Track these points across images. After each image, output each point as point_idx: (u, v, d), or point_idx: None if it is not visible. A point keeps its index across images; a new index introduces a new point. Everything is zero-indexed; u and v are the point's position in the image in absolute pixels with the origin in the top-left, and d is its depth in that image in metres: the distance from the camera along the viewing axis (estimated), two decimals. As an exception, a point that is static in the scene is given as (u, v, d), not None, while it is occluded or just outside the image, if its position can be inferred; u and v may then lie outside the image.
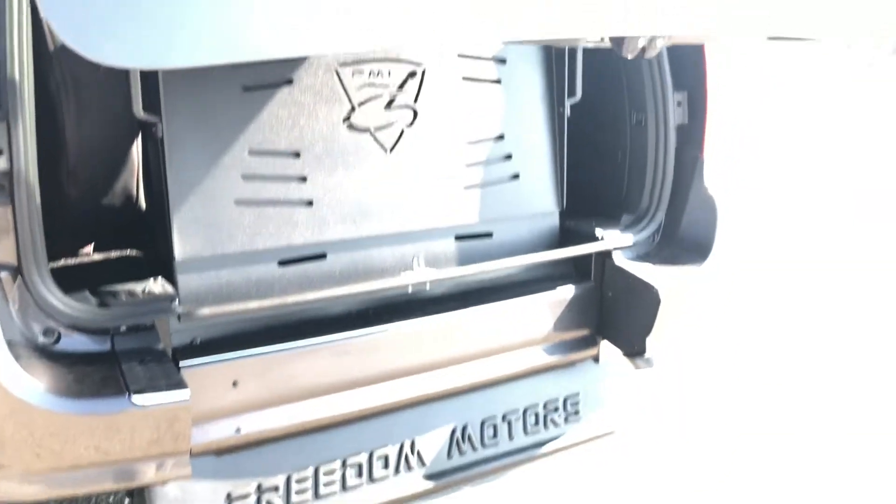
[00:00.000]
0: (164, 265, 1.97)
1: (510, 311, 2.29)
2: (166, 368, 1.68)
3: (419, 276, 2.14)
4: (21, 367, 1.56)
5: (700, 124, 2.49)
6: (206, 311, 1.82)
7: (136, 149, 2.07)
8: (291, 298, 1.93)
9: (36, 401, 1.55)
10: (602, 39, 2.12)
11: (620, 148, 2.62)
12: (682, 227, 2.54)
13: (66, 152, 1.93)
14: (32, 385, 1.56)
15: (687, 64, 2.48)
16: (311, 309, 2.08)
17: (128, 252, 2.23)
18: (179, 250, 1.90)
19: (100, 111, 1.95)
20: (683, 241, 2.53)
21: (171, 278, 1.92)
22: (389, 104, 2.16)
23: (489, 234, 2.37)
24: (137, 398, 1.59)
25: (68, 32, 1.18)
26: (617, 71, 2.58)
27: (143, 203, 2.16)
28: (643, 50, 1.78)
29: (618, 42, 1.77)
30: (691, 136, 2.50)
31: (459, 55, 2.26)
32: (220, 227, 1.94)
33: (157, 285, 1.87)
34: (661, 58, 2.46)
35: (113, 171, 2.05)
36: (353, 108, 2.10)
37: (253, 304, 1.88)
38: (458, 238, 2.31)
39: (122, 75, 1.91)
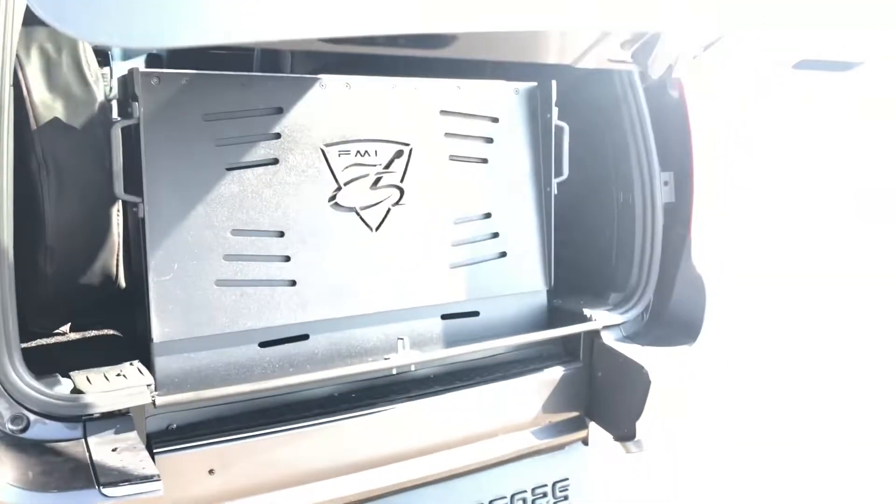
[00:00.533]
0: (141, 346, 1.92)
1: (497, 394, 2.24)
2: (140, 458, 1.61)
3: (403, 359, 2.10)
4: (-14, 459, 1.50)
5: (687, 203, 2.49)
6: (182, 397, 1.77)
7: (116, 227, 2.04)
8: (270, 383, 1.88)
9: (0, 495, 1.48)
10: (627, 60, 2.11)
11: (608, 226, 2.61)
12: (671, 307, 2.52)
13: (44, 230, 1.89)
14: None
15: (673, 144, 2.49)
16: (291, 392, 2.02)
17: (105, 332, 2.18)
18: (158, 332, 1.85)
19: (80, 190, 1.93)
20: (673, 321, 2.50)
21: (148, 361, 1.86)
22: (376, 183, 2.14)
23: (476, 313, 2.33)
24: (108, 491, 1.52)
25: (52, 11, 1.14)
26: (604, 150, 2.58)
27: (122, 282, 2.12)
28: (669, 68, 1.75)
29: (642, 58, 1.76)
30: (679, 214, 2.50)
31: (446, 134, 2.25)
32: (200, 308, 1.90)
33: (132, 369, 1.81)
34: (647, 137, 2.48)
35: (92, 250, 2.01)
36: (338, 188, 2.08)
37: (231, 390, 1.83)
38: (444, 317, 2.27)
39: (103, 155, 1.90)
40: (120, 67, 5.18)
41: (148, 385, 1.74)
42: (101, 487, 1.52)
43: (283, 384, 1.90)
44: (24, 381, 1.63)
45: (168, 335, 1.86)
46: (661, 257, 2.50)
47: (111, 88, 4.80)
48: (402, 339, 2.14)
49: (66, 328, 2.16)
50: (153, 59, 4.66)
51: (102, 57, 5.17)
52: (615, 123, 2.54)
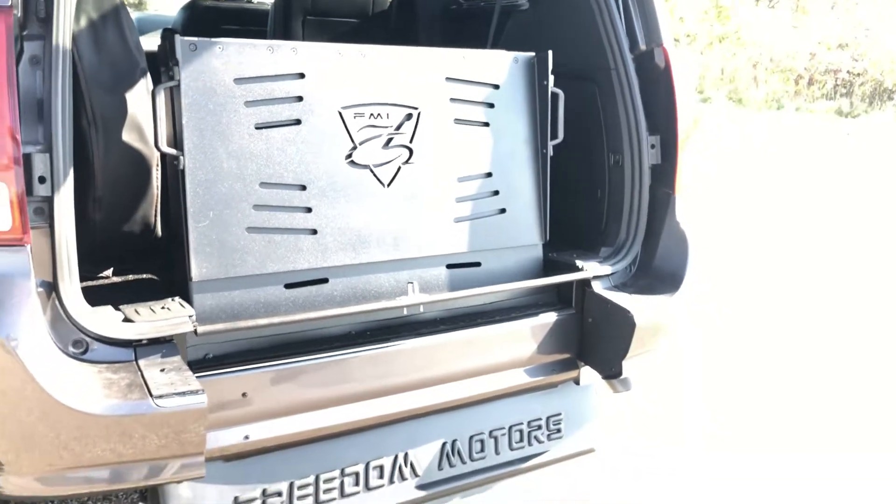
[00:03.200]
0: (179, 286, 2.15)
1: (497, 335, 2.48)
2: (185, 376, 1.85)
3: (413, 300, 2.33)
4: (56, 373, 1.74)
5: (672, 164, 2.71)
6: (220, 326, 2.00)
7: (155, 181, 2.26)
8: (298, 316, 2.11)
9: (70, 402, 1.72)
10: None
11: (600, 186, 2.83)
12: (656, 260, 2.75)
13: (94, 181, 2.12)
14: (67, 386, 1.73)
15: (659, 110, 2.72)
16: (313, 329, 2.26)
17: (144, 276, 2.41)
18: (196, 272, 2.08)
19: (124, 146, 2.15)
20: (658, 273, 2.73)
21: (187, 297, 2.10)
22: (387, 143, 2.37)
23: (478, 264, 2.56)
24: (160, 401, 1.76)
25: None
26: (596, 116, 2.81)
27: (159, 231, 2.35)
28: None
29: None
30: (664, 175, 2.72)
31: (451, 99, 2.47)
32: (233, 252, 2.13)
33: (174, 303, 2.05)
34: (635, 104, 2.70)
35: (134, 201, 2.24)
36: (354, 147, 2.30)
37: (263, 321, 2.06)
38: (449, 266, 2.50)
39: (146, 113, 2.13)
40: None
41: (189, 316, 1.97)
42: (154, 399, 1.77)
43: (309, 317, 2.13)
44: (84, 311, 1.86)
45: (205, 275, 2.10)
46: (648, 215, 2.72)
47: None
48: (411, 283, 2.37)
49: (109, 272, 2.39)
50: (168, 33, 4.87)
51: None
52: (607, 91, 2.76)
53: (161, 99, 2.02)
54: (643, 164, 2.71)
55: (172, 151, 2.05)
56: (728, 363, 4.51)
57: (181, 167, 2.05)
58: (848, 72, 20.35)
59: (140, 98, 2.18)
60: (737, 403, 4.05)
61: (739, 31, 20.58)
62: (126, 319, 1.94)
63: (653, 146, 2.73)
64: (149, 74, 2.23)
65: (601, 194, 2.84)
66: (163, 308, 2.01)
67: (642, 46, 2.73)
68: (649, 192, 2.73)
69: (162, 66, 2.14)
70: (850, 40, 20.37)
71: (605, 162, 2.81)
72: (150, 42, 5.46)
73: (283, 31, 4.18)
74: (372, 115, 2.34)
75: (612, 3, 2.72)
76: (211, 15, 4.84)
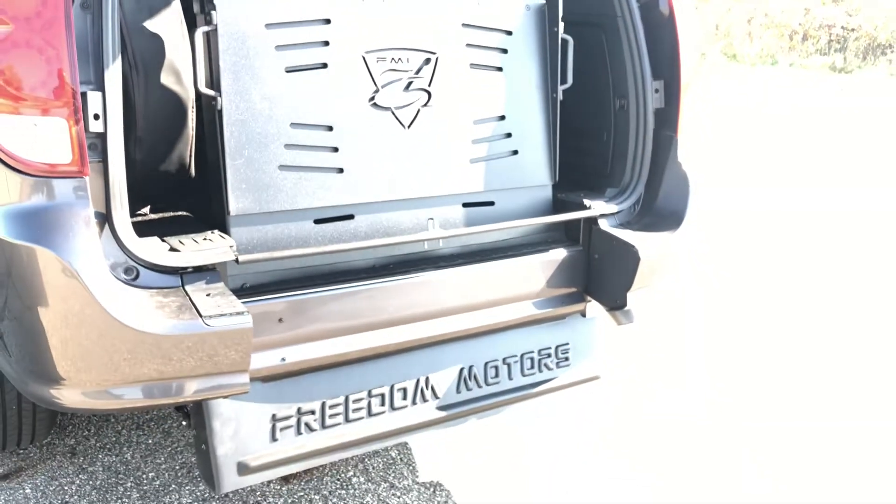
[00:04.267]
0: (217, 221, 2.30)
1: (509, 269, 2.64)
2: (230, 300, 2.01)
3: (433, 235, 2.49)
4: (115, 295, 1.89)
5: (675, 109, 2.85)
6: (259, 255, 2.16)
7: (191, 122, 2.40)
8: (328, 248, 2.27)
9: (129, 321, 1.88)
10: None
11: (606, 129, 2.98)
12: (658, 199, 2.90)
13: (135, 122, 2.25)
14: (125, 307, 1.89)
15: (663, 55, 2.85)
16: (341, 261, 2.42)
17: (180, 213, 2.56)
18: (234, 206, 2.23)
19: (163, 88, 2.28)
20: (660, 211, 2.89)
21: (225, 231, 2.25)
22: (408, 86, 2.50)
23: (491, 203, 2.71)
24: (210, 321, 1.92)
25: None
26: (603, 61, 2.94)
27: (193, 171, 2.49)
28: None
29: None
30: (667, 119, 2.86)
31: (467, 44, 2.60)
32: (266, 188, 2.28)
33: (215, 235, 2.20)
34: (640, 50, 2.83)
35: (172, 141, 2.37)
36: (377, 90, 2.44)
37: (297, 251, 2.22)
38: (465, 205, 2.65)
39: (183, 57, 2.26)
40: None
41: (231, 246, 2.13)
42: (203, 319, 1.93)
43: (338, 248, 2.29)
44: (134, 240, 2.01)
45: (241, 209, 2.24)
46: (652, 156, 2.87)
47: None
48: (431, 219, 2.52)
49: (146, 210, 2.54)
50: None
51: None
52: (613, 38, 2.89)
53: (201, 41, 2.14)
54: (647, 107, 2.85)
55: (211, 92, 2.18)
56: (726, 321, 4.69)
57: (219, 108, 2.19)
58: (842, 27, 20.36)
59: (177, 42, 2.30)
60: (732, 355, 4.25)
61: (734, -15, 20.50)
62: (172, 249, 2.09)
63: (657, 91, 2.86)
64: (184, 19, 2.34)
65: (607, 137, 2.98)
66: (205, 240, 2.16)
67: (647, -6, 2.85)
68: (653, 134, 2.87)
69: (199, 10, 2.26)
70: (846, -7, 20.33)
71: (611, 106, 2.95)
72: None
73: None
74: (393, 59, 2.47)
75: (617, -48, 2.83)
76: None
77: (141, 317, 1.91)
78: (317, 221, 2.39)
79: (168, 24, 2.29)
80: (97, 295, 1.86)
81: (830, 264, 5.60)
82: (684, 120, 2.87)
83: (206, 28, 2.17)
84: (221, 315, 1.94)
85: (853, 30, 20.10)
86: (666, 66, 2.85)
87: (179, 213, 2.59)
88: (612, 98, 2.95)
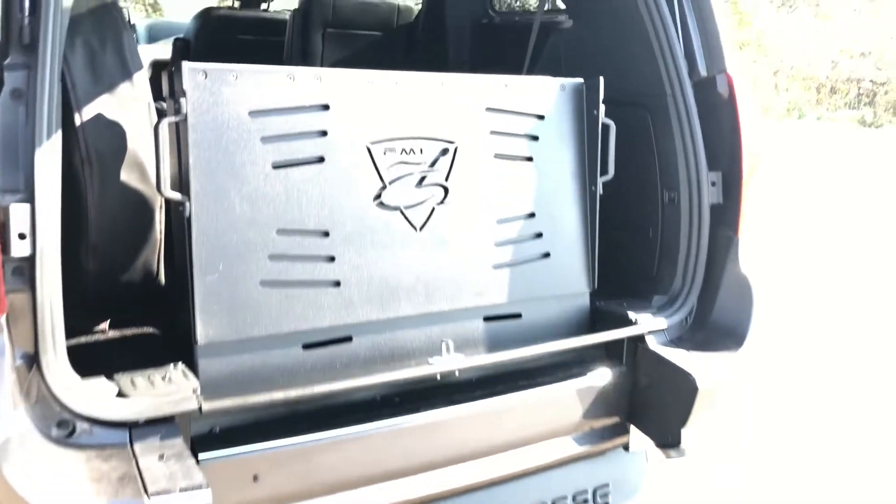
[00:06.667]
0: (184, 347, 1.88)
1: (539, 399, 2.20)
2: (187, 466, 1.58)
3: (448, 364, 2.05)
4: (33, 466, 1.47)
5: (735, 205, 2.42)
6: (228, 402, 1.73)
7: (159, 224, 2.00)
8: (316, 389, 1.84)
9: (49, 504, 1.45)
10: None
11: (651, 225, 2.55)
12: (715, 311, 2.46)
13: (87, 227, 1.86)
14: (45, 486, 1.46)
15: (721, 143, 2.43)
16: (335, 396, 1.99)
17: (145, 330, 2.15)
18: (202, 334, 1.81)
19: (123, 186, 1.89)
20: (717, 326, 2.45)
21: (191, 363, 1.83)
22: (420, 182, 2.10)
23: (518, 315, 2.28)
24: (156, 500, 1.49)
25: None
26: (649, 147, 2.52)
27: (162, 278, 2.08)
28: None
29: None
30: (726, 216, 2.44)
31: (492, 132, 2.20)
32: (244, 309, 1.86)
33: (177, 372, 1.78)
34: (694, 135, 2.42)
35: (134, 246, 1.97)
36: (383, 186, 2.04)
37: (276, 396, 1.78)
38: (487, 319, 2.23)
39: (149, 149, 1.86)
40: (144, 51, 5.14)
41: (194, 390, 1.70)
42: (149, 497, 1.49)
43: (328, 390, 1.86)
44: (71, 385, 1.60)
45: (212, 337, 1.83)
46: (707, 260, 2.44)
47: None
48: (445, 341, 2.09)
49: (105, 325, 2.13)
50: (180, 43, 4.61)
51: (128, 40, 5.15)
52: (661, 120, 2.48)
53: (164, 135, 1.75)
54: (702, 202, 2.43)
55: (177, 196, 1.78)
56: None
57: (187, 214, 1.78)
58: (871, 81, 19.97)
59: (142, 132, 1.92)
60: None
61: (761, 37, 20.21)
62: (121, 394, 1.67)
63: (713, 183, 2.44)
64: (153, 105, 1.96)
65: (653, 234, 2.55)
66: (164, 379, 1.74)
67: (703, 72, 2.45)
68: (709, 234, 2.44)
69: (168, 96, 1.87)
70: (872, 48, 19.98)
71: (659, 199, 2.52)
72: (163, 50, 5.20)
73: (302, 43, 3.91)
74: (404, 150, 2.07)
75: (669, 22, 2.43)
76: (225, 24, 4.57)
77: (66, 497, 1.47)
78: (306, 346, 1.97)
79: (131, 110, 1.90)
80: (6, 473, 1.43)
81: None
82: (746, 218, 2.44)
83: (172, 118, 1.77)
84: (172, 491, 1.51)
85: (882, 84, 19.71)
86: (724, 155, 2.44)
87: (145, 329, 2.17)
88: (660, 190, 2.52)
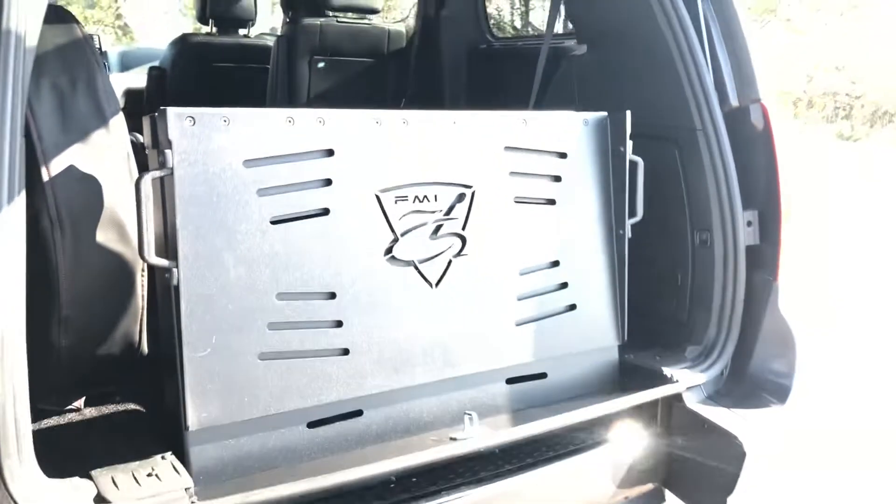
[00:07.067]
0: (172, 427, 1.64)
1: (570, 471, 1.97)
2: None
3: (473, 441, 1.82)
4: None
5: (773, 246, 2.22)
6: (225, 501, 1.48)
7: (141, 289, 1.75)
8: (323, 481, 1.59)
9: None
10: None
11: (681, 269, 2.34)
12: (753, 361, 2.26)
13: (58, 298, 1.61)
14: None
15: (757, 179, 2.23)
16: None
17: (127, 406, 1.89)
18: (194, 419, 1.57)
19: (99, 249, 1.64)
20: (757, 378, 2.24)
21: (181, 451, 1.58)
22: (436, 232, 1.87)
23: (543, 375, 2.06)
24: None
25: None
26: (677, 185, 2.32)
27: (145, 348, 1.83)
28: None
29: None
30: (763, 258, 2.23)
31: (511, 173, 1.98)
32: (241, 387, 1.62)
33: (165, 465, 1.53)
34: (728, 172, 2.21)
35: (112, 317, 1.73)
36: (395, 239, 1.81)
37: (279, 491, 1.53)
38: (510, 381, 2.01)
39: (129, 206, 1.62)
40: (117, 80, 4.89)
41: (186, 489, 1.46)
42: None
43: (335, 482, 1.61)
44: (37, 487, 1.35)
45: (205, 421, 1.58)
46: (744, 306, 2.23)
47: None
48: (469, 414, 1.86)
49: (80, 403, 1.87)
50: (156, 72, 4.36)
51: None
52: (690, 155, 2.27)
53: (147, 191, 1.51)
54: (738, 244, 2.22)
55: (162, 263, 1.53)
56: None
57: (174, 282, 1.54)
58: (847, 94, 20.09)
59: (120, 185, 1.67)
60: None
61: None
62: (100, 498, 1.42)
63: (749, 223, 2.23)
64: (132, 155, 1.72)
65: (682, 279, 2.34)
66: (150, 474, 1.49)
67: (734, 102, 2.25)
68: (745, 278, 2.23)
69: (150, 145, 1.63)
70: (846, 62, 20.10)
71: (689, 240, 2.31)
72: (136, 79, 4.93)
73: (288, 71, 3.68)
74: (417, 198, 1.84)
75: (696, 47, 2.23)
76: (203, 51, 4.32)
77: None
78: (311, 425, 1.73)
79: (108, 160, 1.66)
80: None
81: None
82: (784, 260, 2.23)
83: (157, 173, 1.53)
84: None
85: (858, 97, 19.82)
86: (760, 192, 2.24)
87: (128, 406, 1.92)
88: (690, 231, 2.31)
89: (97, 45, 5.96)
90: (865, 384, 4.48)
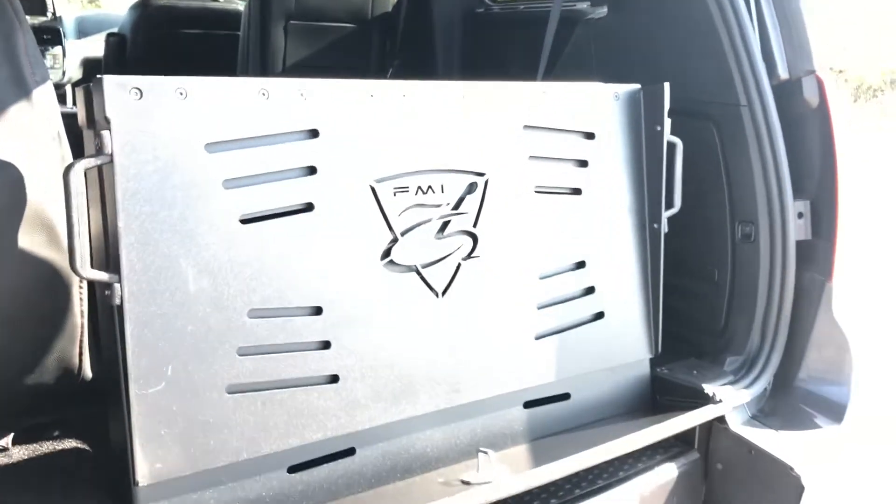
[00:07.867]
0: (120, 477, 1.31)
1: (601, 507, 1.67)
2: None
3: (490, 489, 1.50)
4: None
5: (828, 242, 1.92)
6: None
7: (79, 304, 1.41)
8: None
9: None
10: None
11: (719, 267, 2.03)
12: (801, 374, 1.97)
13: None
14: None
15: (810, 163, 1.93)
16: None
17: (64, 444, 1.56)
18: (143, 471, 1.24)
19: (23, 257, 1.30)
20: (806, 393, 1.95)
21: None
22: (442, 230, 1.54)
23: (566, 396, 1.76)
24: None
25: None
26: (716, 169, 2.00)
27: (87, 372, 1.50)
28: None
29: None
30: (816, 256, 1.94)
31: (531, 157, 1.65)
32: (205, 429, 1.29)
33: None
34: (777, 156, 1.90)
35: (42, 339, 1.38)
36: (394, 239, 1.48)
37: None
38: (528, 405, 1.70)
39: (59, 204, 1.28)
40: (74, 47, 4.47)
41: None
42: None
43: None
44: None
45: (159, 474, 1.25)
46: (793, 310, 1.93)
47: (64, 73, 4.10)
48: (485, 452, 1.54)
49: (7, 441, 1.52)
50: (114, 38, 3.96)
51: (52, 35, 4.44)
52: (733, 136, 1.96)
53: (79, 185, 1.16)
54: (787, 239, 1.92)
55: (101, 276, 1.19)
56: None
57: (116, 301, 1.20)
58: (829, 68, 19.99)
59: (49, 176, 1.32)
60: None
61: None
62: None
63: (800, 215, 1.93)
64: (63, 135, 1.37)
65: (720, 278, 2.04)
66: None
67: (784, 75, 1.93)
68: (794, 278, 1.93)
69: (84, 124, 1.28)
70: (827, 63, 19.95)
71: (729, 234, 2.01)
72: (96, 47, 4.52)
73: (260, 38, 3.31)
74: (420, 188, 1.51)
75: (742, 11, 1.91)
76: (167, 16, 3.92)
77: None
78: (293, 469, 1.41)
79: (33, 144, 1.30)
80: None
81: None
82: (841, 258, 1.94)
83: (91, 160, 1.18)
84: None
85: (841, 71, 19.66)
86: (813, 179, 1.93)
87: (64, 443, 1.58)
88: (731, 223, 2.00)
89: (50, 9, 5.52)
90: None
